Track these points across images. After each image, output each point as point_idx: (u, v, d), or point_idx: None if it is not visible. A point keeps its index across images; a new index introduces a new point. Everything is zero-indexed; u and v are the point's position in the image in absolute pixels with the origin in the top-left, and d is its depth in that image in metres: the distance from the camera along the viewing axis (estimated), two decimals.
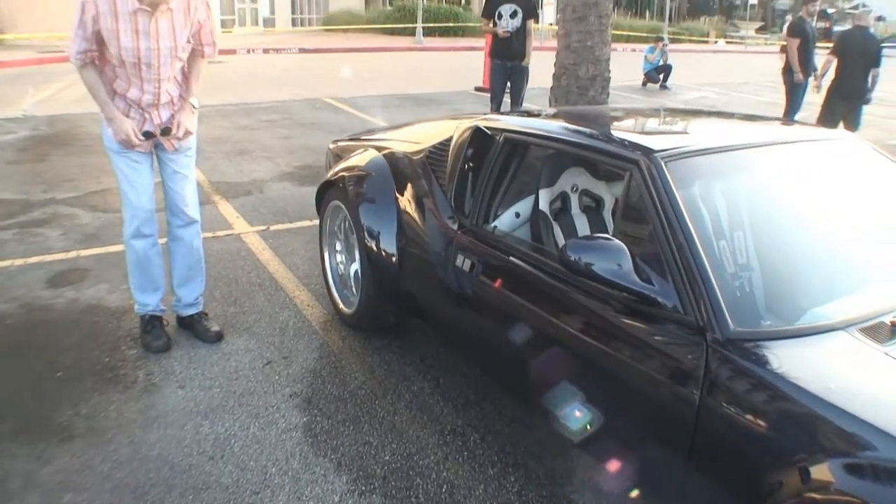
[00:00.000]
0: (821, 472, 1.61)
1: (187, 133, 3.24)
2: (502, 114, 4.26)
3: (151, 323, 3.42)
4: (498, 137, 2.91)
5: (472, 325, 2.84)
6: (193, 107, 3.27)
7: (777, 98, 10.32)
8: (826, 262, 2.34)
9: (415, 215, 3.13)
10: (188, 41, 3.10)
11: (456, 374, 3.20)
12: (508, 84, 7.88)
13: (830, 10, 39.41)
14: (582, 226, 2.94)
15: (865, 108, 7.99)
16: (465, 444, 2.75)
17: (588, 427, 2.29)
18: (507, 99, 8.04)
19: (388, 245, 3.21)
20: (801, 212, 2.52)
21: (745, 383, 1.81)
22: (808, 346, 1.88)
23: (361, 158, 3.61)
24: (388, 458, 2.66)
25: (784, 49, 8.79)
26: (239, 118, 9.52)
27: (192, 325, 3.51)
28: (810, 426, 1.69)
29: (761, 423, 1.76)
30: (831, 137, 2.97)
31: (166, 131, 3.18)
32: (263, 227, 5.12)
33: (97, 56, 3.00)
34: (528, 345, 2.47)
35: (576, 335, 2.27)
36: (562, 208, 2.92)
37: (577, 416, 2.32)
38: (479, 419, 2.91)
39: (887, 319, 1.98)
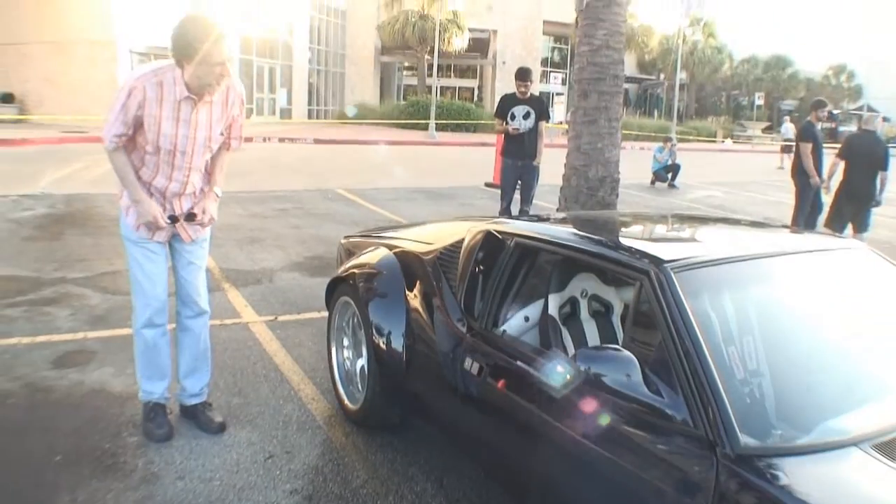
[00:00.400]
0: None
1: (211, 219, 3.32)
2: (513, 218, 4.33)
3: (155, 411, 3.39)
4: (509, 242, 2.95)
5: (478, 428, 2.81)
6: (217, 195, 3.35)
7: (783, 197, 10.45)
8: (838, 374, 2.33)
9: (424, 315, 3.14)
10: (221, 133, 3.21)
11: (460, 476, 3.14)
12: (518, 182, 8.03)
13: (836, 112, 40.32)
14: (591, 331, 2.94)
15: (875, 210, 8.07)
16: None
17: None
18: (517, 196, 8.17)
19: (396, 343, 3.21)
20: (813, 322, 2.53)
21: (756, 501, 1.77)
22: (821, 464, 1.85)
23: (373, 256, 3.66)
24: None
25: (783, 149, 9.00)
26: (252, 206, 9.68)
27: (195, 415, 3.48)
28: None
29: None
30: (841, 247, 3.00)
31: (191, 217, 3.25)
32: (271, 318, 5.13)
33: (128, 141, 3.08)
34: (534, 450, 2.43)
35: (583, 444, 2.24)
36: (571, 313, 2.93)
37: None
38: None
39: None
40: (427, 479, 3.12)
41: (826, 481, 1.82)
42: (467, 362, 2.77)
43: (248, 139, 18.44)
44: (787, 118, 29.68)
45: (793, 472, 1.81)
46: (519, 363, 2.61)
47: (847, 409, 2.11)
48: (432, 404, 3.10)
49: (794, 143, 9.53)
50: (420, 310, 3.18)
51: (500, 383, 2.64)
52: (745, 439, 1.87)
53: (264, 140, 20.28)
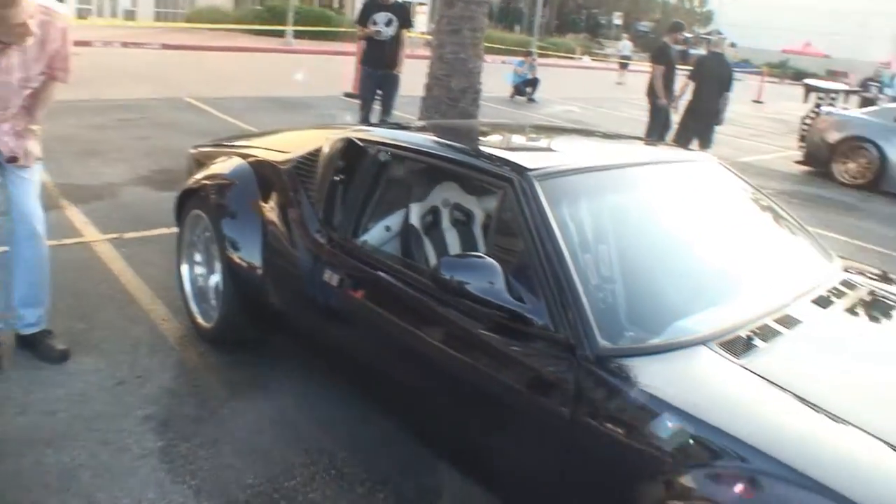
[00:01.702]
0: (685, 481, 1.69)
1: (34, 158, 3.10)
2: (375, 126, 4.20)
3: None
4: (370, 150, 2.84)
5: (340, 340, 2.76)
6: (35, 133, 3.12)
7: (636, 114, 10.83)
8: (688, 278, 2.43)
9: (281, 227, 3.00)
10: (42, 73, 2.99)
11: (322, 390, 3.09)
12: (378, 91, 7.83)
13: (687, 35, 42.07)
14: (452, 240, 2.92)
15: (717, 128, 8.54)
16: (332, 462, 2.66)
17: (461, 442, 2.28)
18: (376, 107, 7.99)
19: (252, 257, 3.06)
20: (665, 230, 2.62)
21: (613, 399, 1.85)
22: (671, 362, 1.94)
23: (225, 166, 3.44)
24: (251, 481, 2.52)
25: (621, 65, 9.37)
26: (91, 116, 8.91)
27: (33, 345, 3.21)
28: (675, 439, 1.74)
29: (629, 437, 1.81)
30: (691, 159, 3.12)
31: (12, 160, 3.02)
32: (116, 236, 4.78)
33: None
34: (397, 360, 2.42)
35: (446, 351, 2.24)
36: (433, 223, 2.90)
37: (448, 431, 2.30)
38: (347, 436, 2.82)
39: (743, 333, 2.08)
40: (288, 395, 3.06)
41: (675, 377, 1.90)
42: (327, 274, 2.68)
43: (86, 43, 17.00)
44: (626, 36, 30.91)
45: (646, 370, 1.88)
46: (380, 273, 2.56)
47: (695, 311, 2.20)
48: (292, 319, 3.00)
49: (629, 60, 9.86)
50: (277, 222, 3.03)
51: (361, 294, 2.58)
52: (602, 341, 1.92)
53: (105, 45, 18.69)
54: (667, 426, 1.76)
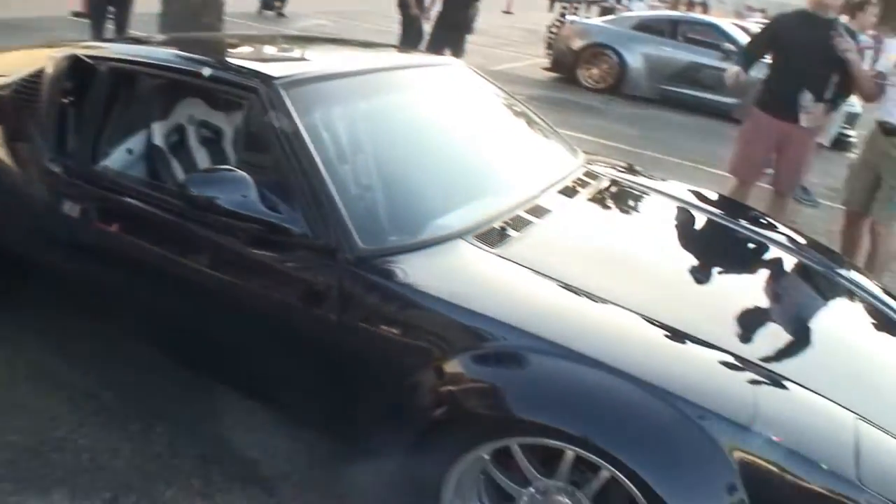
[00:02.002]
0: (453, 366, 1.80)
1: None
2: (106, 41, 3.82)
3: None
4: (101, 67, 2.58)
5: (89, 276, 2.54)
6: None
7: (390, 27, 10.80)
8: (444, 178, 2.51)
9: (7, 159, 2.68)
10: None
11: (77, 333, 2.86)
12: (111, 9, 7.11)
13: None
14: (202, 158, 2.78)
15: (469, 38, 8.76)
16: (101, 405, 2.51)
17: (236, 364, 2.24)
18: (109, 26, 7.27)
19: None
20: (420, 133, 2.67)
21: (377, 298, 1.91)
22: (432, 256, 2.02)
23: None
24: (14, 438, 2.31)
25: None
26: None
27: None
28: (440, 328, 1.84)
29: (397, 332, 1.88)
30: (442, 63, 3.18)
31: None
32: None
33: None
34: (157, 289, 2.30)
35: (208, 273, 2.17)
36: (179, 142, 2.73)
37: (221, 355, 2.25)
38: (112, 375, 2.65)
39: (497, 225, 2.21)
40: (41, 342, 2.81)
41: (435, 270, 1.98)
42: (67, 206, 2.45)
43: None
44: None
45: (406, 267, 1.95)
46: (127, 199, 2.38)
47: (452, 209, 2.28)
48: (34, 262, 2.72)
49: None
50: (0, 153, 2.69)
51: (108, 224, 2.39)
52: (362, 243, 1.95)
53: None
54: (430, 315, 1.85)
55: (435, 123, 2.77)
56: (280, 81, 2.21)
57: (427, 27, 8.89)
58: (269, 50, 3.14)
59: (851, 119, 8.39)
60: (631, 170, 3.27)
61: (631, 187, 3.01)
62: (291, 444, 2.42)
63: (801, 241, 2.95)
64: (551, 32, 11.81)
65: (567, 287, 1.97)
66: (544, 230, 2.33)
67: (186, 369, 2.53)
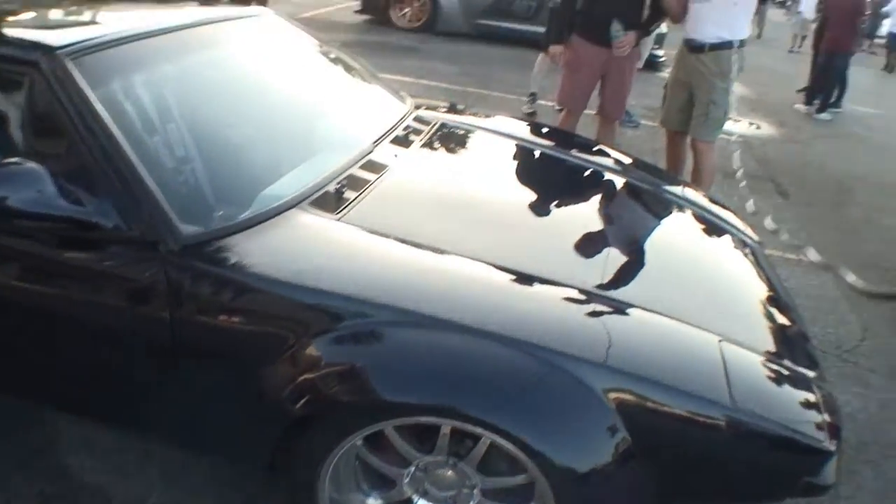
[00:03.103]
0: (309, 352, 1.64)
1: None
2: None
3: None
4: None
5: None
6: None
7: None
8: (266, 143, 2.31)
9: None
10: None
11: None
12: None
13: None
14: None
15: None
16: None
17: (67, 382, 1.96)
18: None
19: None
20: (234, 95, 2.43)
21: (212, 287, 1.70)
22: (267, 233, 1.83)
23: None
24: None
25: None
26: None
27: None
28: (289, 312, 1.68)
29: (241, 322, 1.71)
30: (249, 14, 2.90)
31: None
32: None
33: None
34: None
35: (16, 287, 1.87)
36: None
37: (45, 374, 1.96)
38: None
39: (332, 188, 2.05)
40: None
41: (273, 248, 1.81)
42: None
43: None
44: None
45: (241, 248, 1.76)
46: None
47: (280, 176, 2.10)
48: None
49: None
50: None
51: None
52: (186, 230, 1.73)
53: None
54: (276, 299, 1.68)
55: (250, 82, 2.54)
56: (64, 51, 1.89)
57: None
58: (52, 15, 2.74)
59: (660, 39, 8.79)
60: (458, 110, 3.20)
61: (461, 129, 2.95)
62: (144, 463, 2.21)
63: (630, 163, 3.01)
64: None
65: (414, 245, 1.87)
66: (383, 186, 2.20)
67: (12, 397, 2.21)
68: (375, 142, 2.45)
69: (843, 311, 3.90)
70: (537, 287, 1.81)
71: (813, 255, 4.51)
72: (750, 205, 5.22)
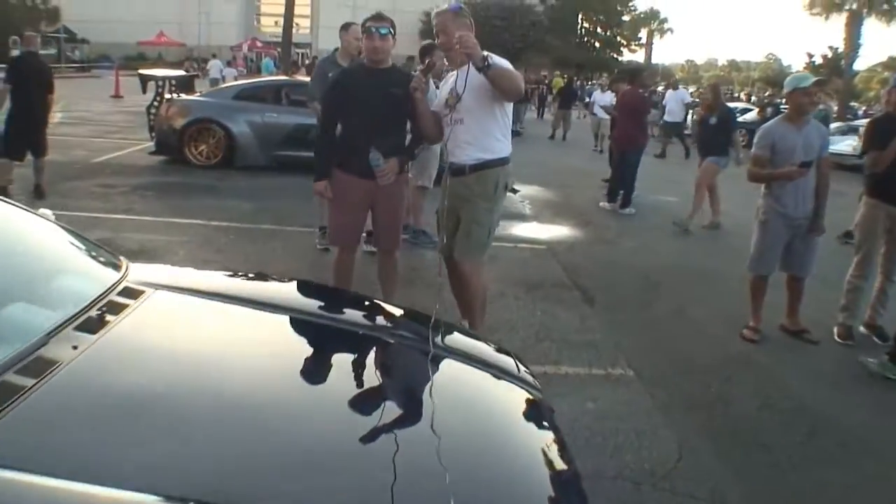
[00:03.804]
0: None
1: None
2: None
3: None
4: None
5: None
6: None
7: None
8: None
9: None
10: None
11: None
12: None
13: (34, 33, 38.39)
14: None
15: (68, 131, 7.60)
16: None
17: None
18: None
19: None
20: None
21: None
22: None
23: None
24: None
25: None
26: None
27: None
28: None
29: None
30: None
31: None
32: None
33: None
34: None
35: None
36: None
37: None
38: None
39: None
40: None
41: None
42: None
43: None
44: None
45: None
46: None
47: None
48: None
49: None
50: None
51: None
52: None
53: None
54: None
55: None
56: None
57: None
58: None
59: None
60: (190, 271, 2.69)
61: (183, 300, 2.36)
62: None
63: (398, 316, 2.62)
64: (151, 114, 10.93)
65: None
66: (40, 399, 1.63)
67: None
68: (51, 330, 1.90)
69: (657, 425, 3.66)
70: None
71: (621, 367, 4.29)
72: (552, 319, 5.03)
